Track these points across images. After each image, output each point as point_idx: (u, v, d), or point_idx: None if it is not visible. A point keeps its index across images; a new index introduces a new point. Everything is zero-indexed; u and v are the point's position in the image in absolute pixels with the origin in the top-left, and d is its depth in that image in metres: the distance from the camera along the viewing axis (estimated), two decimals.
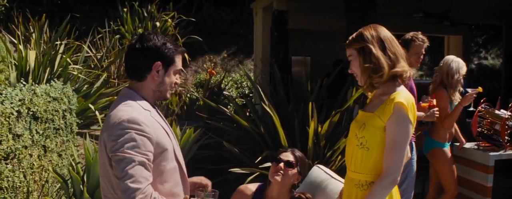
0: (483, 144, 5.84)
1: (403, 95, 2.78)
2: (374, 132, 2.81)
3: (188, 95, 11.15)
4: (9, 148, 4.38)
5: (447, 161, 5.36)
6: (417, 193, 6.65)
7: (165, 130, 2.62)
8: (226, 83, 12.85)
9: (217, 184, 6.33)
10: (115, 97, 8.23)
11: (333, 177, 3.60)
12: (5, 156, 4.32)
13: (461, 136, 5.75)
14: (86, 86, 8.09)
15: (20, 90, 4.91)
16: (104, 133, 2.47)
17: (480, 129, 5.79)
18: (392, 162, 2.73)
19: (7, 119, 4.35)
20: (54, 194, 5.24)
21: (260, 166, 5.58)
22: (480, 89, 5.18)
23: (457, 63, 5.29)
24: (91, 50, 10.12)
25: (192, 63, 14.38)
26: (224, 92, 10.82)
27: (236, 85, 13.53)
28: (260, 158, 5.65)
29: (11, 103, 4.49)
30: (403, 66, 2.86)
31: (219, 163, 6.53)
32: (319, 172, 3.77)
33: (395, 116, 2.74)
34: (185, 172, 2.81)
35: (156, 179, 2.51)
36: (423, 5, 9.30)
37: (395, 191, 2.91)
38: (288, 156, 3.51)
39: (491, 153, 5.55)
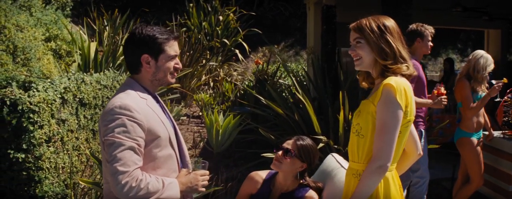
0: (510, 133, 5.43)
1: (394, 79, 2.44)
2: (367, 118, 2.49)
3: (245, 83, 11.02)
4: (51, 132, 4.31)
5: (474, 151, 4.98)
6: (447, 178, 6.30)
7: (160, 118, 2.47)
8: (281, 72, 12.66)
9: (254, 166, 6.21)
10: (170, 85, 8.21)
11: (343, 167, 3.34)
12: (47, 139, 4.26)
13: (490, 128, 5.36)
14: None
15: (69, 78, 4.85)
16: (100, 119, 2.38)
17: (506, 118, 5.38)
18: (380, 146, 2.41)
19: (49, 105, 4.29)
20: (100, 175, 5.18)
21: None
22: (505, 80, 4.82)
23: (485, 60, 4.88)
24: None
25: (252, 53, 14.25)
26: (280, 81, 10.63)
27: (302, 74, 13.28)
28: None
29: (55, 90, 4.42)
30: (408, 65, 2.53)
31: (259, 147, 6.36)
32: (332, 161, 3.53)
33: (383, 98, 2.42)
34: (186, 160, 2.68)
35: (148, 165, 2.39)
36: (461, 0, 8.80)
37: (392, 180, 2.56)
38: (289, 144, 3.23)
39: None
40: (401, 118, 2.42)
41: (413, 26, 4.84)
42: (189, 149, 7.46)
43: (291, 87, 8.52)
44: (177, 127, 2.67)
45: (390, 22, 2.57)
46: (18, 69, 7.55)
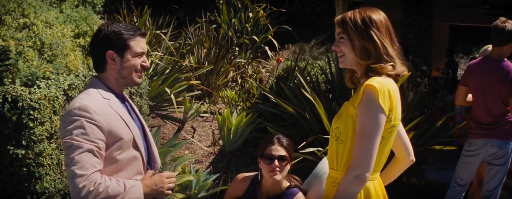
0: None
1: (377, 79, 2.23)
2: (347, 121, 2.30)
3: (274, 80, 10.88)
4: (53, 129, 4.29)
5: None
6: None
7: (124, 119, 2.37)
8: (310, 69, 12.50)
9: None
10: (190, 82, 8.14)
11: None
12: (48, 135, 4.24)
13: None
14: (166, 72, 7.97)
15: (76, 76, 4.84)
16: (60, 121, 2.33)
17: None
18: (358, 154, 2.20)
19: (51, 102, 4.27)
20: None
21: (301, 151, 5.19)
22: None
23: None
24: (188, 39, 10.08)
25: (282, 50, 14.11)
26: (308, 78, 10.47)
27: (321, 72, 13.09)
28: (303, 143, 5.27)
29: (58, 87, 4.40)
30: (394, 64, 2.32)
31: None
32: (324, 164, 3.36)
33: (364, 101, 2.21)
34: (156, 161, 2.60)
35: (110, 167, 2.31)
36: None
37: (375, 190, 2.36)
38: (278, 150, 3.04)
39: None
40: (383, 123, 2.22)
41: (508, 25, 4.32)
42: (208, 146, 7.39)
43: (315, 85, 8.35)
44: (146, 127, 2.58)
45: (378, 16, 2.34)
46: (43, 65, 7.62)
